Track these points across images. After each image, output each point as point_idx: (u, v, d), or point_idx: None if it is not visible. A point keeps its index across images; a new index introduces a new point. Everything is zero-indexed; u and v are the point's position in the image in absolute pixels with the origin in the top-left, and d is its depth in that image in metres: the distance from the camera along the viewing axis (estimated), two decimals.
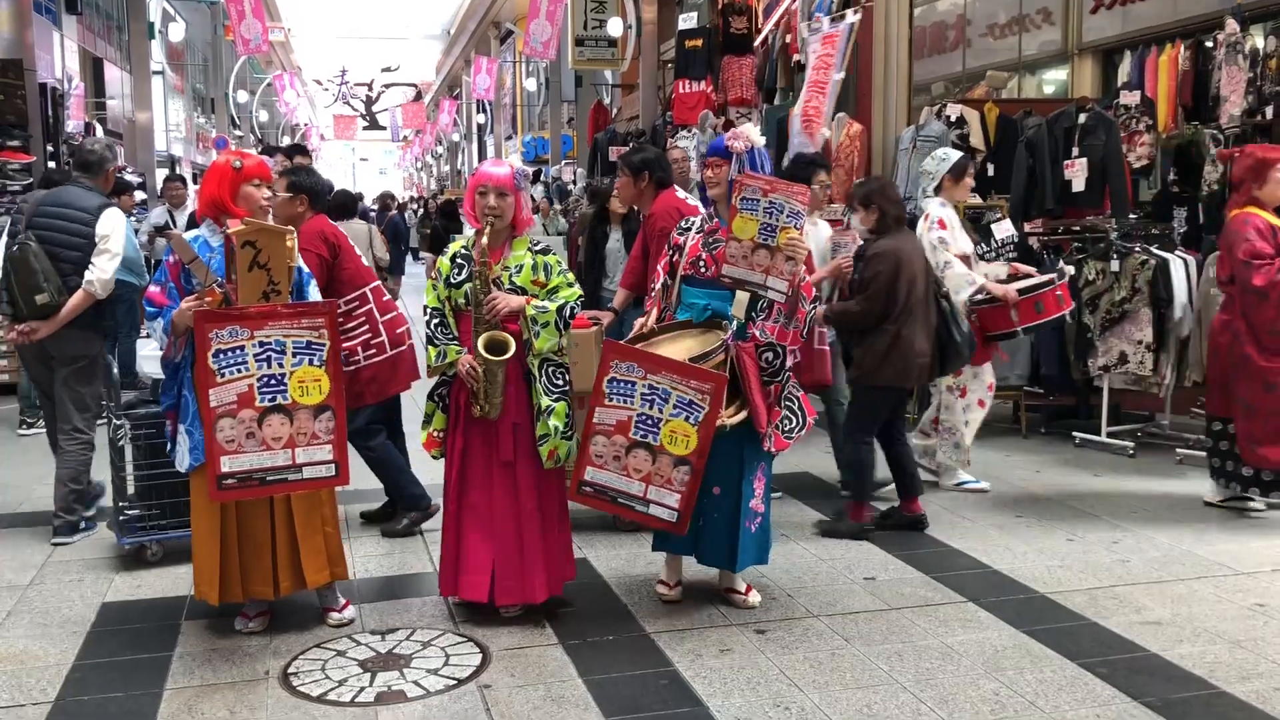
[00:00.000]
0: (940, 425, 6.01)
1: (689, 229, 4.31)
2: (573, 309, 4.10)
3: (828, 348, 5.35)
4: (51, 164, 9.62)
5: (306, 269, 4.17)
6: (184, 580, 4.56)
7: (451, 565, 4.15)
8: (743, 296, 4.10)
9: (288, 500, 3.94)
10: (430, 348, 4.08)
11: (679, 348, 4.04)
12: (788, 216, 4.01)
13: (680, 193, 5.62)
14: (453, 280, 4.09)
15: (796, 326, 4.13)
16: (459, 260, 4.11)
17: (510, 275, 4.05)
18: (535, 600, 4.11)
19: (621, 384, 3.84)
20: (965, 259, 5.76)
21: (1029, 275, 6.11)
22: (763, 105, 12.10)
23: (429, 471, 4.99)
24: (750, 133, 4.21)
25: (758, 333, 4.10)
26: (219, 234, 3.89)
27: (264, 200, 3.97)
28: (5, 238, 5.47)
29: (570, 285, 4.14)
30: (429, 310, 4.10)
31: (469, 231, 4.34)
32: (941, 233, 5.70)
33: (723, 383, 3.88)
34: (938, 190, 5.90)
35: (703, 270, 4.18)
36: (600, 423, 3.87)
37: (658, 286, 4.35)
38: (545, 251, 4.17)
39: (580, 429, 4.04)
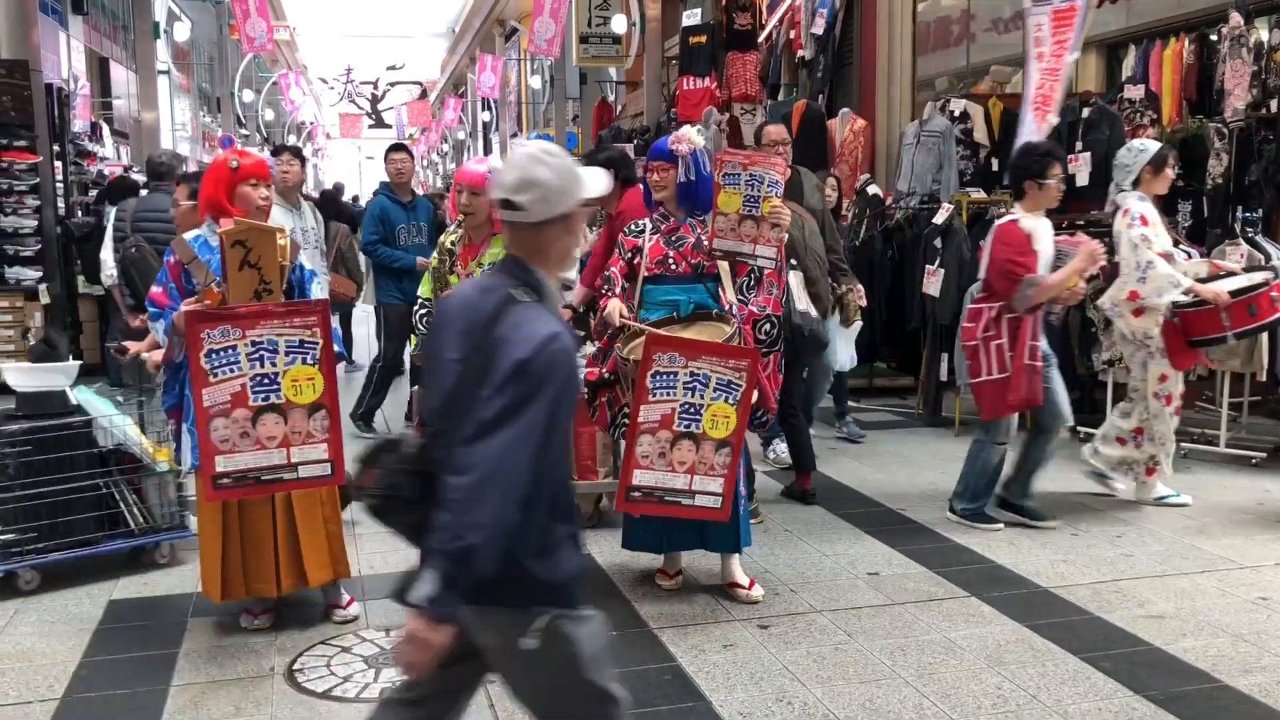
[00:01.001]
0: (1145, 434, 5.57)
1: (641, 231, 4.35)
2: None
3: (1040, 362, 5.04)
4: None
5: (309, 266, 4.19)
6: (190, 578, 4.58)
7: None
8: (727, 281, 4.23)
9: (289, 499, 3.96)
10: (414, 337, 4.30)
11: (688, 336, 4.08)
12: (768, 186, 4.26)
13: None
14: (441, 272, 4.29)
15: (778, 294, 4.36)
16: (444, 254, 4.35)
17: (484, 271, 4.12)
18: None
19: (664, 376, 3.86)
20: (1168, 258, 5.36)
21: (1232, 274, 5.65)
22: (767, 101, 12.10)
23: None
24: (691, 135, 4.32)
25: (754, 307, 4.25)
26: (217, 234, 3.90)
27: (261, 200, 3.97)
28: (110, 243, 7.28)
29: None
30: (420, 300, 4.29)
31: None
32: (1144, 229, 5.28)
33: (757, 357, 4.02)
34: (1136, 184, 5.45)
35: (673, 267, 4.26)
36: (645, 421, 3.88)
37: (618, 287, 4.34)
38: None
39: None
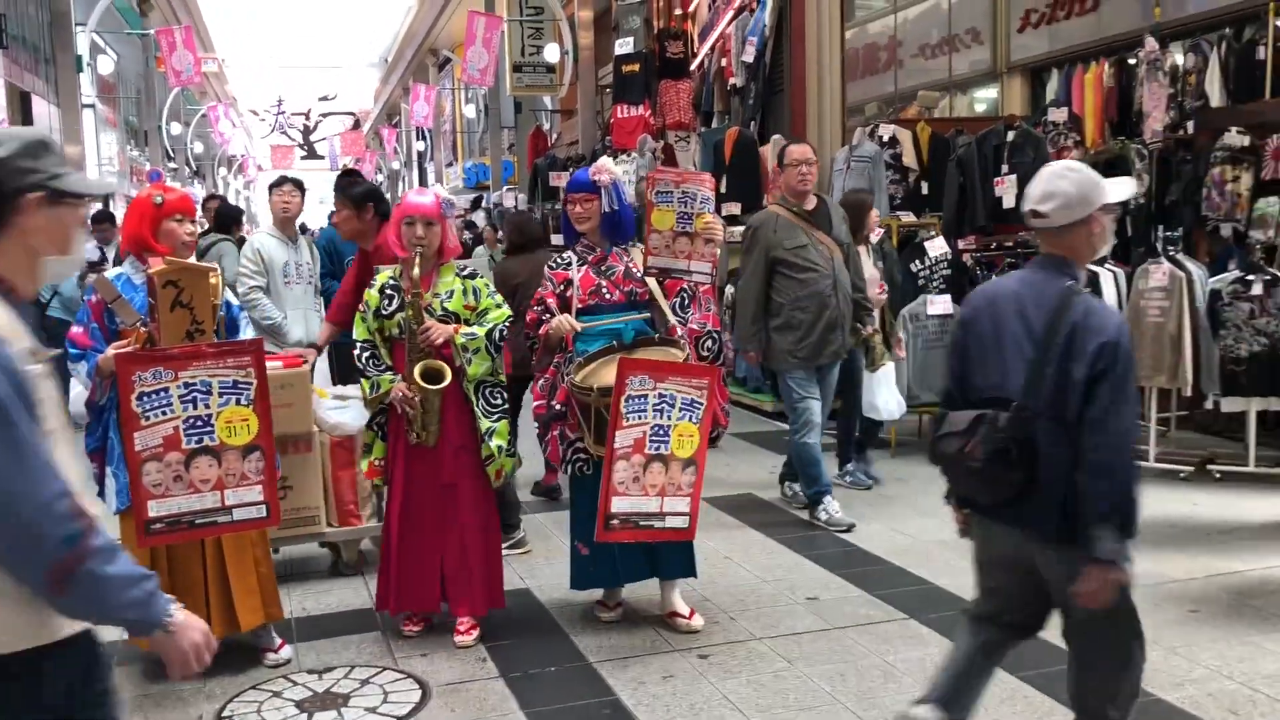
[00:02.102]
0: None
1: (568, 264, 4.30)
2: (502, 331, 4.15)
3: None
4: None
5: (236, 303, 4.11)
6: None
7: (392, 583, 4.20)
8: (663, 304, 4.24)
9: (219, 542, 3.86)
10: (364, 380, 4.10)
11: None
12: (700, 202, 4.28)
13: None
14: (383, 311, 4.11)
15: (714, 309, 4.40)
16: (388, 291, 4.13)
17: (441, 301, 4.08)
18: (479, 612, 4.20)
19: (636, 400, 3.84)
20: None
21: None
22: (700, 128, 12.18)
23: None
24: (609, 165, 4.37)
25: (694, 324, 4.24)
26: (142, 272, 3.80)
27: (186, 236, 3.87)
28: None
29: (499, 306, 4.20)
30: (360, 343, 4.11)
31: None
32: None
33: (718, 374, 4.06)
34: None
35: (607, 296, 4.25)
36: (620, 447, 3.85)
37: (546, 316, 4.24)
38: (472, 275, 4.23)
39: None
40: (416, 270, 4.00)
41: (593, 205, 4.27)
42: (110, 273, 3.91)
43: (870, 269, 6.13)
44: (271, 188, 6.56)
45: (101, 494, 3.88)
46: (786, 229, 5.50)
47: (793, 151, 5.60)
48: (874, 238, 6.40)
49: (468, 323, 4.09)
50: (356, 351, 4.11)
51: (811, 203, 5.62)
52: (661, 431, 3.89)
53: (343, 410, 4.93)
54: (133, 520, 3.66)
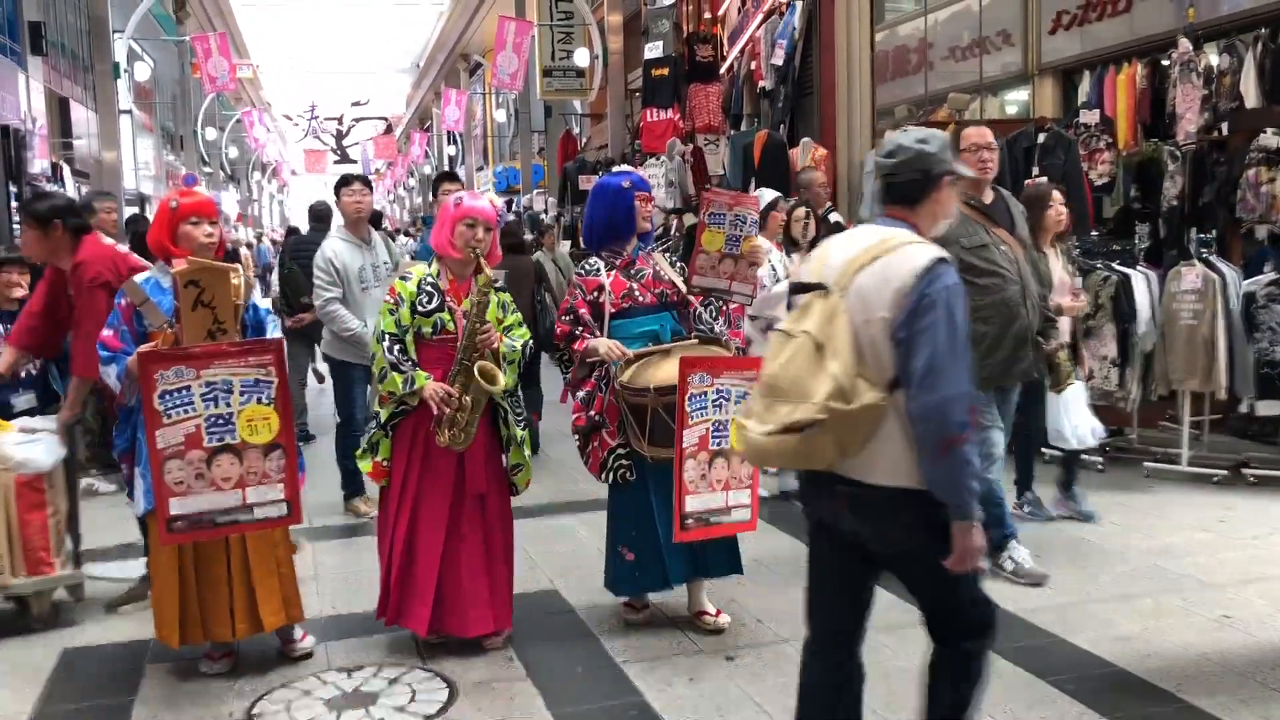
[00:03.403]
0: None
1: (597, 270, 4.28)
2: (529, 349, 4.22)
3: None
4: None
5: (264, 306, 4.15)
6: (147, 624, 4.49)
7: (396, 594, 4.09)
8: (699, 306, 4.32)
9: (243, 542, 3.90)
10: (395, 374, 3.99)
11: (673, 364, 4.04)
12: (749, 226, 4.37)
13: (106, 238, 4.80)
14: (419, 308, 4.05)
15: (741, 326, 4.48)
16: (426, 288, 4.08)
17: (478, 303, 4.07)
18: (506, 627, 4.17)
19: (698, 397, 3.89)
20: None
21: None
22: (730, 131, 12.17)
23: None
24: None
25: (725, 340, 4.30)
26: (169, 274, 3.85)
27: (204, 238, 3.88)
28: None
29: (521, 325, 4.24)
30: (386, 336, 4.03)
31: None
32: None
33: (760, 365, 4.03)
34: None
35: (640, 299, 4.25)
36: (688, 446, 3.91)
37: (580, 329, 4.22)
38: (501, 289, 4.23)
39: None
40: (488, 270, 3.98)
41: (651, 206, 4.37)
42: (139, 277, 3.96)
43: (1060, 272, 5.40)
44: (339, 187, 6.23)
45: (131, 494, 3.94)
46: (964, 225, 4.48)
47: (970, 134, 4.76)
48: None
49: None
50: (385, 345, 4.00)
51: (990, 196, 4.75)
52: (721, 427, 3.95)
53: (30, 444, 4.46)
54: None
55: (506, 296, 4.23)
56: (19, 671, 4.10)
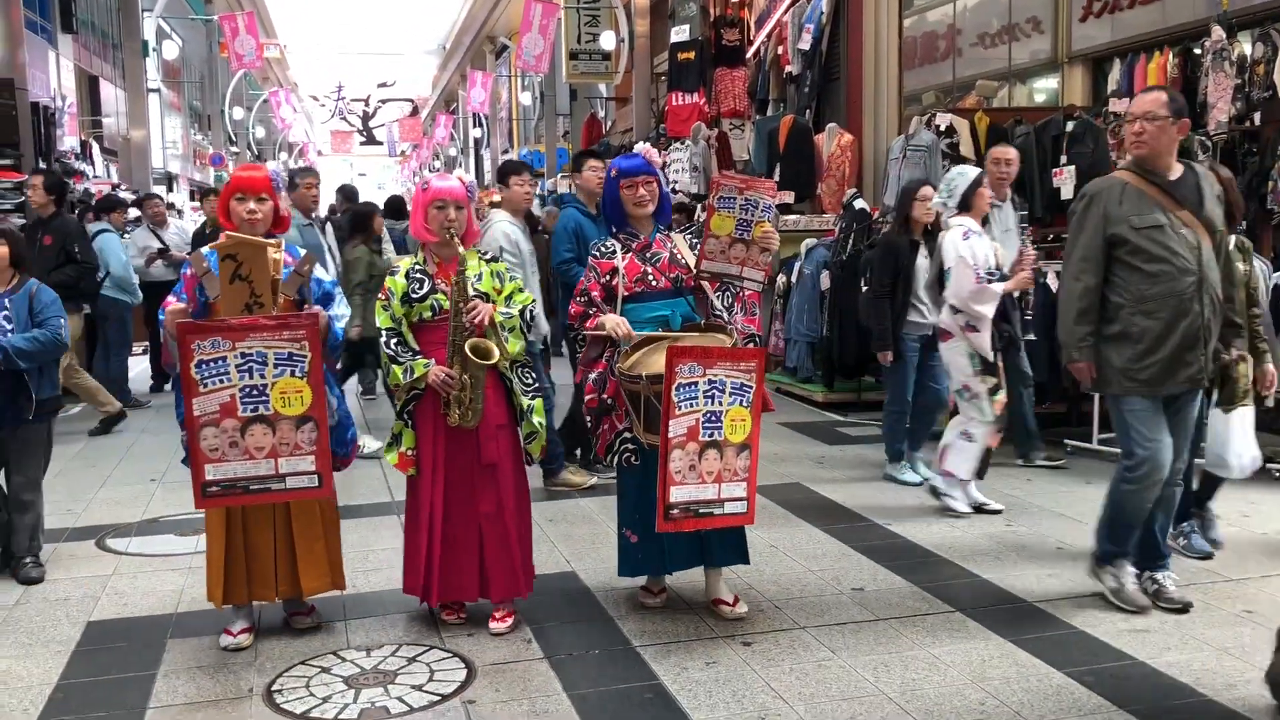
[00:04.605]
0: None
1: (613, 252, 4.29)
2: (532, 312, 4.25)
3: None
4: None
5: (328, 279, 4.21)
6: (170, 598, 4.56)
7: (435, 573, 4.16)
8: (711, 294, 4.28)
9: (287, 510, 4.05)
10: (395, 367, 4.05)
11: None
12: (761, 211, 4.24)
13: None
14: (413, 295, 4.11)
15: (759, 314, 4.39)
16: (415, 275, 4.14)
17: (471, 284, 4.10)
18: (522, 594, 4.25)
19: (687, 387, 3.85)
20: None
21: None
22: (755, 116, 12.14)
23: None
24: (649, 148, 4.45)
25: (740, 327, 4.25)
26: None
27: (245, 214, 3.98)
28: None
29: (521, 290, 4.28)
30: (384, 331, 4.08)
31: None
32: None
33: (763, 356, 4.05)
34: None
35: (653, 283, 4.25)
36: (674, 436, 3.86)
37: (593, 311, 4.23)
38: (494, 259, 4.31)
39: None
40: (461, 248, 4.09)
41: (654, 188, 4.30)
42: (204, 249, 4.06)
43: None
44: (509, 175, 6.39)
45: (186, 460, 3.99)
46: (1136, 201, 4.07)
47: (1140, 103, 4.10)
48: None
49: (496, 304, 4.16)
50: (384, 339, 4.07)
51: (1176, 171, 4.15)
52: (714, 418, 3.90)
53: None
54: None
55: (501, 266, 4.28)
56: (44, 644, 4.16)
